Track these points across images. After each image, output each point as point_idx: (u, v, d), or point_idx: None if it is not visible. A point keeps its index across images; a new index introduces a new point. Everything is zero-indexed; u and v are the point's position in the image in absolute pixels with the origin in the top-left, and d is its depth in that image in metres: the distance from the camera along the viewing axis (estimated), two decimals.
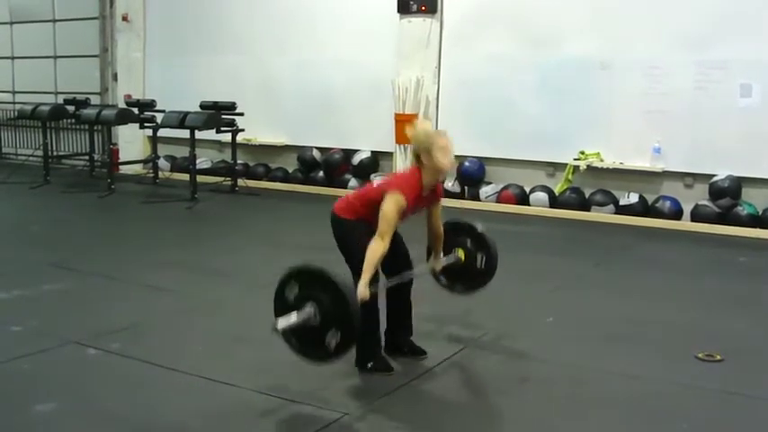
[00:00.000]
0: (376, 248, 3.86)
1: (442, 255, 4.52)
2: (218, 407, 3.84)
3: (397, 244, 4.14)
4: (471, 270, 4.61)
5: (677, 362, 4.50)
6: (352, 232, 4.11)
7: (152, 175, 11.42)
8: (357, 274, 3.91)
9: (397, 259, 4.22)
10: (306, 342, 3.72)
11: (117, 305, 5.51)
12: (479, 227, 4.65)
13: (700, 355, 4.52)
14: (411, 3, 9.89)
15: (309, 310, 3.64)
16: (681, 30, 8.51)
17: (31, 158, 12.36)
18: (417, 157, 4.09)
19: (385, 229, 3.89)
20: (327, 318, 3.62)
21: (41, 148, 11.54)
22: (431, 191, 4.17)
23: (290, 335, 3.71)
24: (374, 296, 3.95)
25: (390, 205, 3.91)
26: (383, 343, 4.37)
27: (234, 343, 4.71)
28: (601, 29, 8.96)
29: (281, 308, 3.74)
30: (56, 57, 13.48)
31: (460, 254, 4.58)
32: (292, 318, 3.64)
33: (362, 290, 3.77)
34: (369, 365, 4.22)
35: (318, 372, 4.15)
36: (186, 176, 10.36)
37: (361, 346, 4.14)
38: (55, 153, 12.52)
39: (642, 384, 4.17)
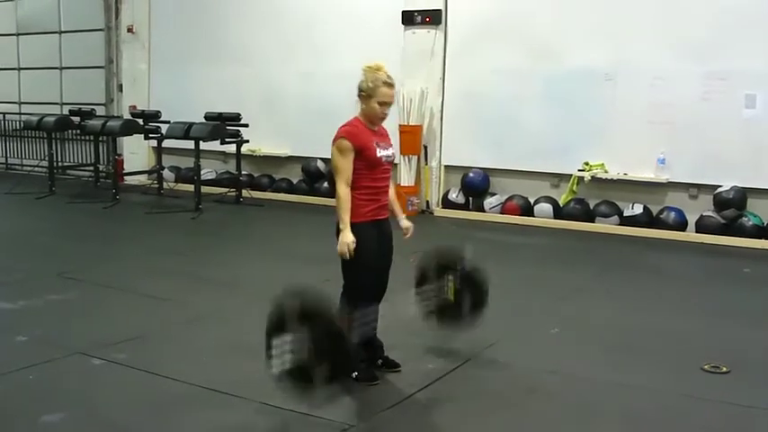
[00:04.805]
0: (338, 194, 4.13)
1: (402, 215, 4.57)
2: (225, 418, 3.84)
3: (381, 275, 4.32)
4: (462, 308, 4.63)
5: (683, 373, 4.49)
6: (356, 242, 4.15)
7: (157, 185, 11.44)
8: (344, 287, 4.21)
9: (379, 275, 4.33)
10: (296, 377, 3.60)
11: (122, 315, 5.51)
12: (467, 264, 4.65)
13: (706, 367, 4.51)
14: (415, 14, 9.94)
15: (304, 346, 3.53)
16: (685, 41, 8.52)
17: (36, 169, 12.40)
18: (359, 95, 4.23)
19: (337, 175, 4.14)
20: (320, 354, 3.51)
21: (47, 158, 11.58)
22: (379, 131, 4.30)
23: (285, 375, 3.61)
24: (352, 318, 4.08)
25: (334, 154, 4.16)
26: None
27: (239, 354, 4.70)
28: (605, 40, 8.98)
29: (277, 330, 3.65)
30: (61, 68, 13.55)
31: (450, 293, 4.60)
32: (286, 360, 3.55)
33: (342, 234, 4.05)
34: (353, 375, 4.23)
35: None
36: (191, 187, 10.38)
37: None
38: (60, 164, 12.55)
39: (648, 395, 4.16)
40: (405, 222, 4.49)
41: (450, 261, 4.71)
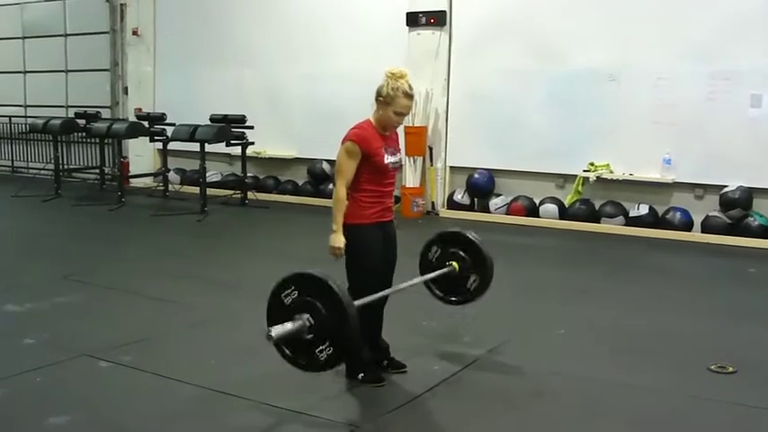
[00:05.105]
0: (336, 194, 4.11)
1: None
2: (231, 420, 3.85)
3: (386, 276, 4.27)
4: (466, 282, 4.60)
5: (690, 374, 4.48)
6: (356, 241, 4.13)
7: (162, 188, 11.47)
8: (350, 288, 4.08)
9: (384, 276, 4.28)
10: (297, 350, 3.57)
11: (129, 318, 5.53)
12: (473, 236, 4.63)
13: (712, 367, 4.50)
14: (420, 15, 9.94)
15: (305, 319, 3.50)
16: (690, 41, 8.50)
17: (42, 172, 12.45)
18: (377, 98, 4.18)
19: (338, 176, 4.14)
20: (322, 331, 3.48)
21: (53, 161, 11.62)
22: (390, 136, 4.27)
23: (283, 343, 3.57)
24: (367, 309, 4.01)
25: (340, 155, 4.15)
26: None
27: (244, 355, 4.71)
28: (610, 41, 8.96)
29: (277, 310, 3.62)
30: (67, 71, 13.59)
31: (455, 265, 4.58)
32: (287, 327, 3.50)
33: (333, 236, 4.06)
34: (360, 376, 4.23)
35: (327, 384, 4.16)
36: (196, 189, 10.40)
37: (351, 357, 4.16)
38: (66, 166, 12.60)
39: (654, 396, 4.15)
40: None
41: (455, 236, 4.67)
